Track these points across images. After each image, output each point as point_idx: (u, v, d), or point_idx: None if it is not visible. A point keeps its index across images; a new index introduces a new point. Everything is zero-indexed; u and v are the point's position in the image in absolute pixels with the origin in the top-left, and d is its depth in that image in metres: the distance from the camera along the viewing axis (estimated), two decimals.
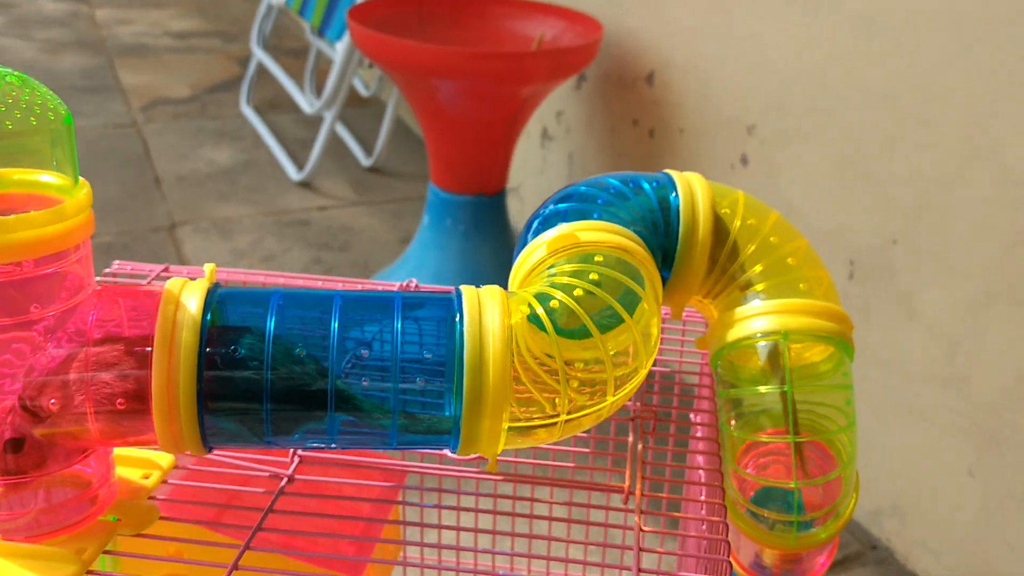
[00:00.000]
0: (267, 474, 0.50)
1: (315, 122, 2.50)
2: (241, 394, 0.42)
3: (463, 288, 0.45)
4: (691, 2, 1.45)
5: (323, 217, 2.18)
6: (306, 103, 2.34)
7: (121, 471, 0.48)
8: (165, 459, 0.50)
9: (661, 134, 1.58)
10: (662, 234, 0.54)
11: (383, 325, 0.44)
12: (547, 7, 1.65)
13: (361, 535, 0.60)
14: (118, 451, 0.49)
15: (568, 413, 0.44)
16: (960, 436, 1.14)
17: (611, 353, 0.45)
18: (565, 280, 0.47)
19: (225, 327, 0.43)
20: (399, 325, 0.44)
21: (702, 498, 0.51)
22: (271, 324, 0.43)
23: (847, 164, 1.23)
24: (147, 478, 0.49)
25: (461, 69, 1.39)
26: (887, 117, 1.16)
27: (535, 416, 0.45)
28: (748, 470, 0.56)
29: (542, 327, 0.45)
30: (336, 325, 0.43)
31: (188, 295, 0.42)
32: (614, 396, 0.45)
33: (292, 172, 2.31)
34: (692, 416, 0.64)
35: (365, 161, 2.40)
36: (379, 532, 0.62)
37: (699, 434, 0.57)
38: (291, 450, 0.52)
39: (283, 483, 0.50)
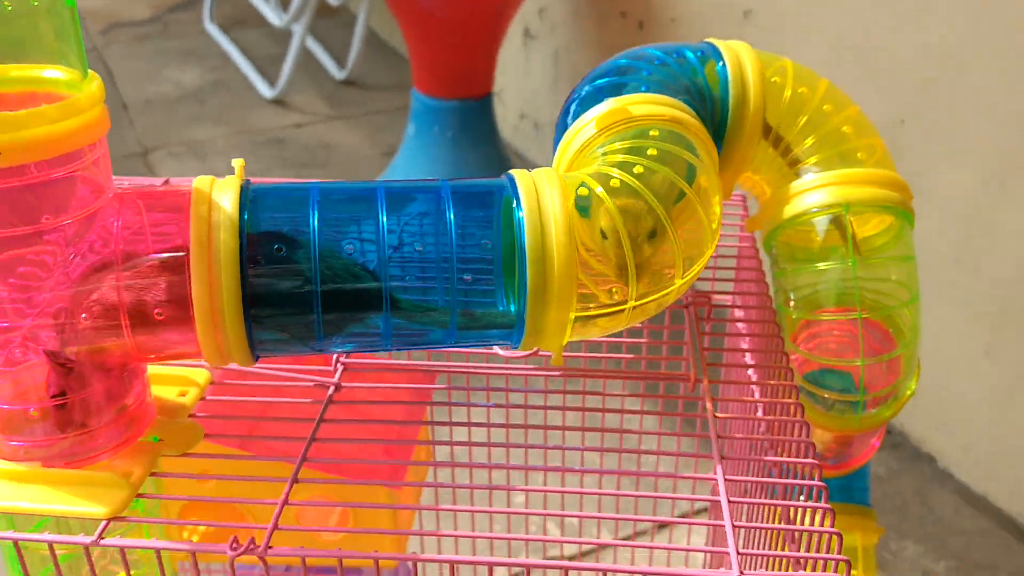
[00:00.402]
0: (311, 384, 0.47)
1: (282, 36, 2.40)
2: (289, 298, 0.39)
3: (515, 172, 0.42)
4: None
5: (299, 134, 2.11)
6: (275, 16, 2.25)
7: (156, 390, 0.45)
8: (201, 375, 0.47)
9: (651, 25, 1.53)
10: (710, 106, 0.51)
11: (434, 216, 0.40)
12: None
13: (399, 440, 0.58)
14: (150, 369, 0.46)
15: (635, 299, 0.42)
16: (974, 316, 1.13)
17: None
18: (621, 158, 0.43)
19: (265, 227, 0.39)
20: (451, 216, 0.40)
21: (770, 381, 0.48)
22: (314, 220, 0.39)
23: (850, 43, 1.19)
24: (184, 396, 0.46)
25: None
26: None
27: (594, 305, 0.42)
28: (803, 350, 0.54)
29: (585, 212, 0.41)
30: (384, 218, 0.40)
31: (220, 193, 0.39)
32: (682, 279, 0.43)
33: (264, 89, 2.23)
34: (730, 300, 0.62)
35: (338, 74, 2.32)
36: (416, 435, 0.59)
37: (752, 317, 0.54)
38: (334, 358, 0.49)
39: (331, 391, 0.47)
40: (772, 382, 0.47)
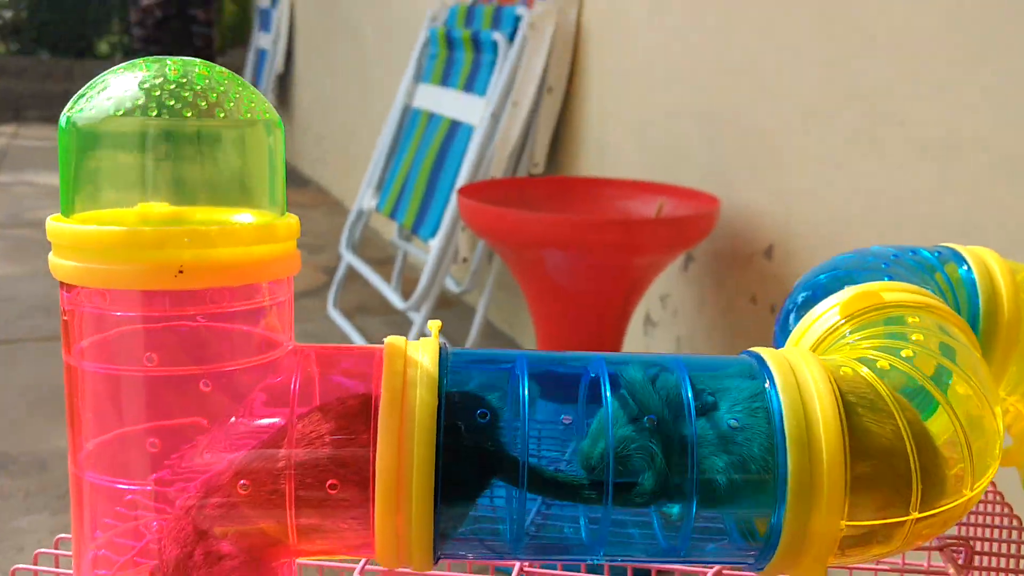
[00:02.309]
0: None
1: (403, 323, 2.46)
2: (487, 476, 0.31)
3: (760, 349, 0.35)
4: (805, 166, 1.40)
5: None
6: (398, 301, 2.31)
7: None
8: None
9: None
10: (955, 311, 0.44)
11: (667, 400, 0.33)
12: (657, 186, 1.61)
13: None
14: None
15: (919, 510, 0.33)
16: None
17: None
18: (882, 342, 0.36)
19: (466, 391, 0.32)
20: (689, 394, 0.33)
21: None
22: (524, 392, 0.33)
23: None
24: None
25: (576, 239, 1.33)
26: None
27: (868, 515, 0.33)
28: None
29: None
30: (611, 406, 0.33)
31: (417, 351, 0.33)
32: (972, 490, 0.34)
33: None
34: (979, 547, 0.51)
35: None
36: None
37: (1012, 567, 0.44)
38: (515, 569, 0.40)
39: None
40: None
